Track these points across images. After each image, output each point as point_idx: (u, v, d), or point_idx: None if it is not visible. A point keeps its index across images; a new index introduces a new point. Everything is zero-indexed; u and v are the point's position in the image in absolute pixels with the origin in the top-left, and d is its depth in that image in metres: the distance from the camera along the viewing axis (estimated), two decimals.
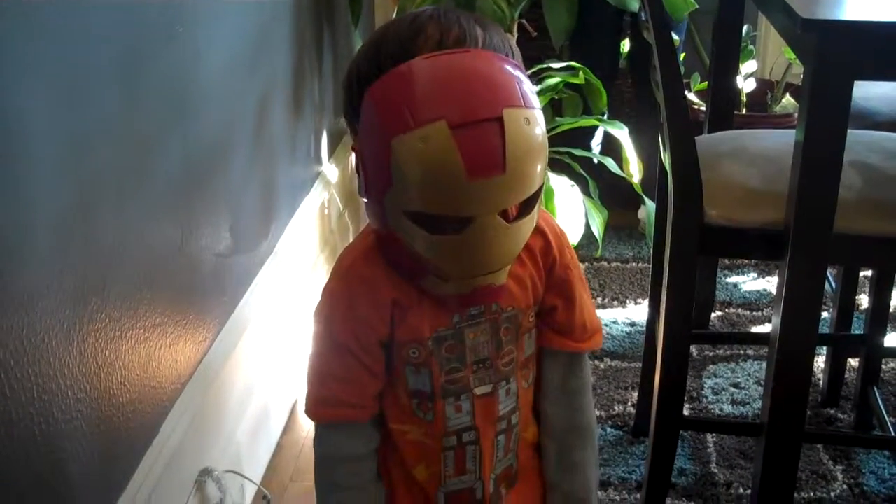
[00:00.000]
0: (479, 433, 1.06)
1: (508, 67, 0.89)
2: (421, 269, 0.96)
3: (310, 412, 1.07)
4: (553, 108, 2.57)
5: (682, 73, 2.80)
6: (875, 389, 1.89)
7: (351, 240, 1.07)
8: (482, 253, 0.90)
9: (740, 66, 2.69)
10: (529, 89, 0.88)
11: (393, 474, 1.11)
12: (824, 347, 2.07)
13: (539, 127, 0.87)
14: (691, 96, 2.88)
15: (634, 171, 2.42)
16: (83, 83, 1.15)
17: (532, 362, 1.09)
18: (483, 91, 0.85)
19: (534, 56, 2.66)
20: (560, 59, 2.49)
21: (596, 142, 2.76)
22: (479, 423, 1.06)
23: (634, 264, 2.68)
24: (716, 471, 1.82)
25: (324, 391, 1.04)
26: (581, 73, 2.40)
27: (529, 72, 2.49)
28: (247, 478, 1.66)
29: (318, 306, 1.03)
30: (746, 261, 2.68)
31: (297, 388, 2.01)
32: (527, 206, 0.91)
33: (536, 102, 0.88)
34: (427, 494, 1.10)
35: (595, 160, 2.44)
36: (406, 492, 1.11)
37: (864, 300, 2.24)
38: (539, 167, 0.88)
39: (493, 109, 0.84)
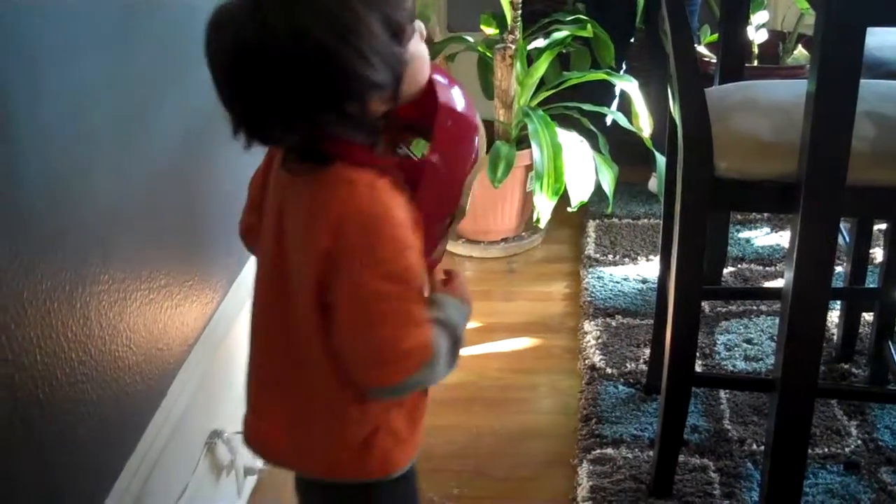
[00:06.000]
0: None
1: None
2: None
3: (409, 364, 0.96)
4: (561, 62, 2.54)
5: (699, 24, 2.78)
6: (890, 344, 1.88)
7: None
8: None
9: (751, 16, 2.64)
10: None
11: None
12: (838, 302, 2.05)
13: None
14: (702, 49, 2.84)
15: (645, 125, 2.39)
16: (78, 40, 1.13)
17: None
18: None
19: (539, 10, 2.62)
20: (572, 13, 2.46)
21: (614, 103, 2.71)
22: None
23: (646, 220, 2.65)
24: (729, 427, 1.81)
25: (422, 333, 0.96)
26: (589, 25, 2.36)
27: (536, 25, 2.49)
28: None
29: (377, 228, 0.95)
30: (759, 215, 2.66)
31: None
32: None
33: None
34: None
35: (609, 118, 2.41)
36: None
37: (878, 253, 2.22)
38: None
39: None
